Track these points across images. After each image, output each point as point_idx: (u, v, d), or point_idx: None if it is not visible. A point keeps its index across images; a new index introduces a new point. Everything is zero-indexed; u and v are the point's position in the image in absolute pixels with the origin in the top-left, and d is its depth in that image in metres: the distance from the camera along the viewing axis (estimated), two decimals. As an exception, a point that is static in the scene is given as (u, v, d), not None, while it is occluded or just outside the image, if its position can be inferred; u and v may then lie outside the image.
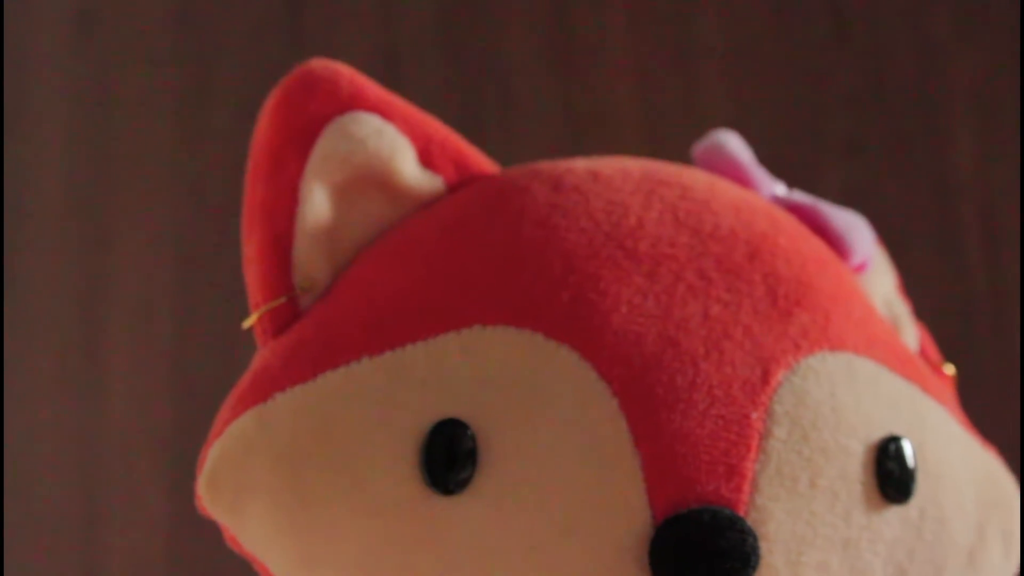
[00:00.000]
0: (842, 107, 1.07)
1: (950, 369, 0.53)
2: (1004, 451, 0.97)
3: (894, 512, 0.46)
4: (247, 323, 0.49)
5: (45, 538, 1.05)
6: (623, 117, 1.08)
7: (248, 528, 0.47)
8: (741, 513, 0.43)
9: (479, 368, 0.45)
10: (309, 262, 0.49)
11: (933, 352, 0.54)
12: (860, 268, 0.52)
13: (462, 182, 0.51)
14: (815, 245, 0.50)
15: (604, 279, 0.46)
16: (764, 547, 0.43)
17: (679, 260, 0.47)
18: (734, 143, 0.54)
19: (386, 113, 0.50)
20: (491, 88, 1.09)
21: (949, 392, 0.52)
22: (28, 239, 1.08)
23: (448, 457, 0.44)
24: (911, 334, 0.54)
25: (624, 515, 0.43)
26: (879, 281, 0.54)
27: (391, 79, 1.19)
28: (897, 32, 1.08)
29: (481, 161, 0.51)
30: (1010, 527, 0.50)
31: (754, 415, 0.44)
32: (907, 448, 0.46)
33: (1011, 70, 1.06)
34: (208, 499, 0.47)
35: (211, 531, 0.50)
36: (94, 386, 1.06)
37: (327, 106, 0.49)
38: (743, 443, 0.44)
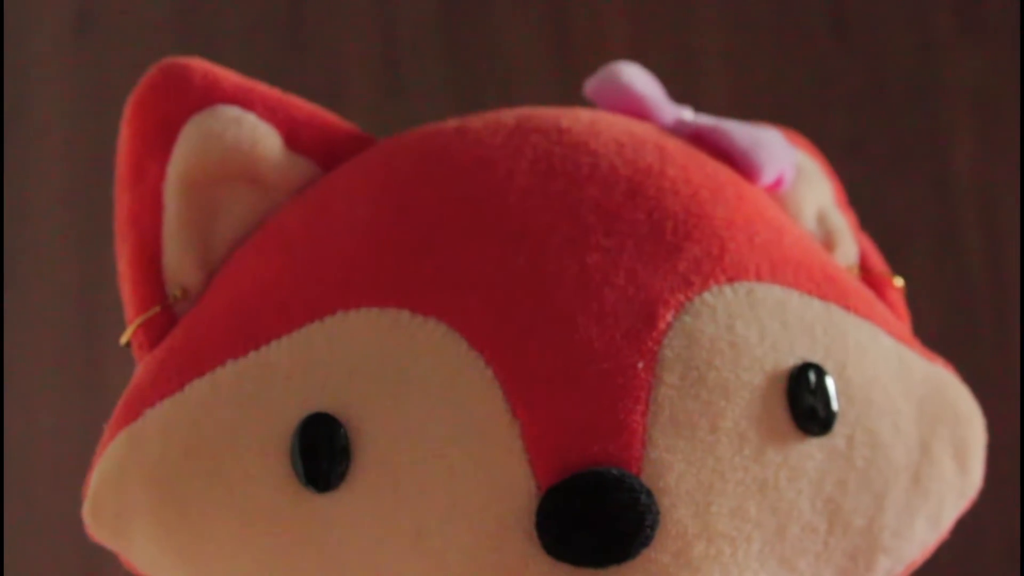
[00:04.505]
0: (842, 107, 1.07)
1: (899, 281, 0.51)
2: (1004, 451, 0.98)
3: (815, 444, 0.43)
4: (123, 339, 0.48)
5: (45, 538, 1.04)
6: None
7: (136, 551, 0.46)
8: (634, 471, 0.41)
9: (344, 356, 0.43)
10: (179, 269, 0.47)
11: (878, 264, 0.52)
12: (775, 185, 0.50)
13: (335, 161, 0.48)
14: (711, 171, 0.47)
15: (469, 242, 0.44)
16: (666, 502, 0.41)
17: (552, 210, 0.44)
18: (630, 73, 0.51)
19: (245, 102, 0.48)
20: (491, 88, 1.09)
21: (892, 306, 0.50)
22: (28, 239, 1.08)
23: (319, 453, 0.42)
24: (849, 247, 0.51)
25: (507, 489, 0.41)
26: (808, 193, 0.51)
27: (391, 79, 1.19)
28: (897, 32, 1.08)
29: (355, 135, 0.49)
30: (962, 439, 0.48)
31: (640, 364, 0.42)
32: (823, 375, 0.44)
33: (1011, 70, 1.06)
34: (93, 526, 0.46)
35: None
36: (94, 386, 1.06)
37: (181, 105, 0.48)
38: (630, 396, 0.41)
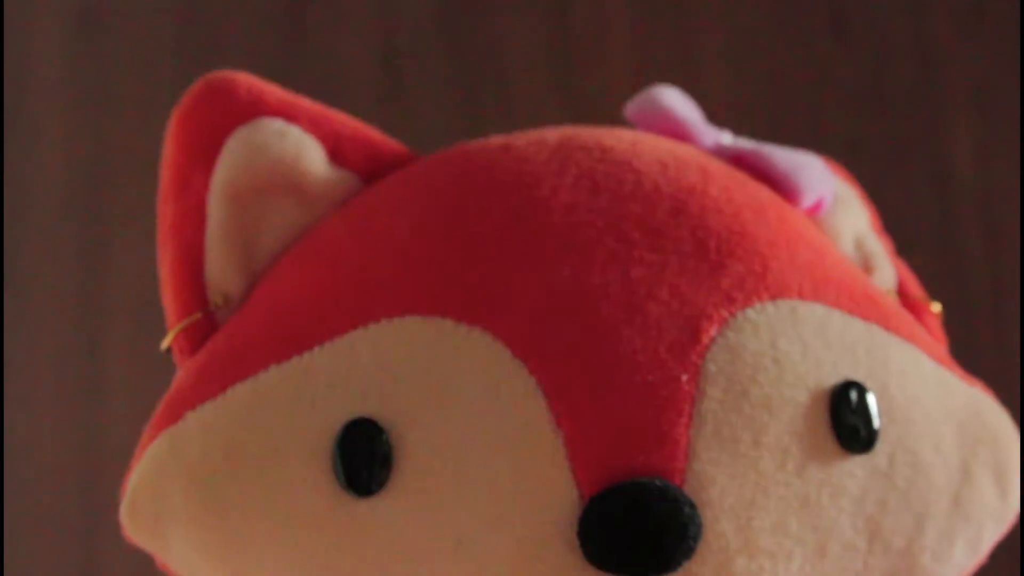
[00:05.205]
0: (842, 107, 1.07)
1: (936, 307, 0.51)
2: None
3: (857, 463, 0.43)
4: (164, 344, 0.48)
5: (45, 538, 1.04)
6: (623, 116, 1.08)
7: (173, 553, 0.46)
8: (677, 482, 0.41)
9: (387, 363, 0.43)
10: (222, 277, 0.48)
11: (915, 289, 0.52)
12: (815, 209, 0.50)
13: (377, 176, 0.49)
14: (753, 192, 0.48)
15: (514, 254, 0.44)
16: (708, 515, 0.41)
17: (596, 226, 0.44)
18: (670, 96, 0.52)
19: (289, 115, 0.48)
20: (491, 88, 1.09)
21: (930, 330, 0.50)
22: (28, 239, 1.08)
23: (361, 459, 0.42)
24: (887, 272, 0.51)
25: (550, 498, 0.41)
26: (845, 219, 0.51)
27: (391, 79, 1.19)
28: (897, 32, 1.08)
29: (398, 152, 0.50)
30: (1002, 462, 0.47)
31: (684, 377, 0.42)
32: (864, 393, 0.44)
33: (1011, 70, 1.06)
34: (130, 527, 0.46)
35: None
36: (94, 386, 1.06)
37: (227, 117, 0.48)
38: (673, 408, 0.41)
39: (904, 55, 1.08)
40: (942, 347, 0.50)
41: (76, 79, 1.11)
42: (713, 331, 0.43)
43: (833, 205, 0.51)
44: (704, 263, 0.44)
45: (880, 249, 0.52)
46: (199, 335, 0.47)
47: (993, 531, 0.48)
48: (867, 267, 0.51)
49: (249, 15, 1.11)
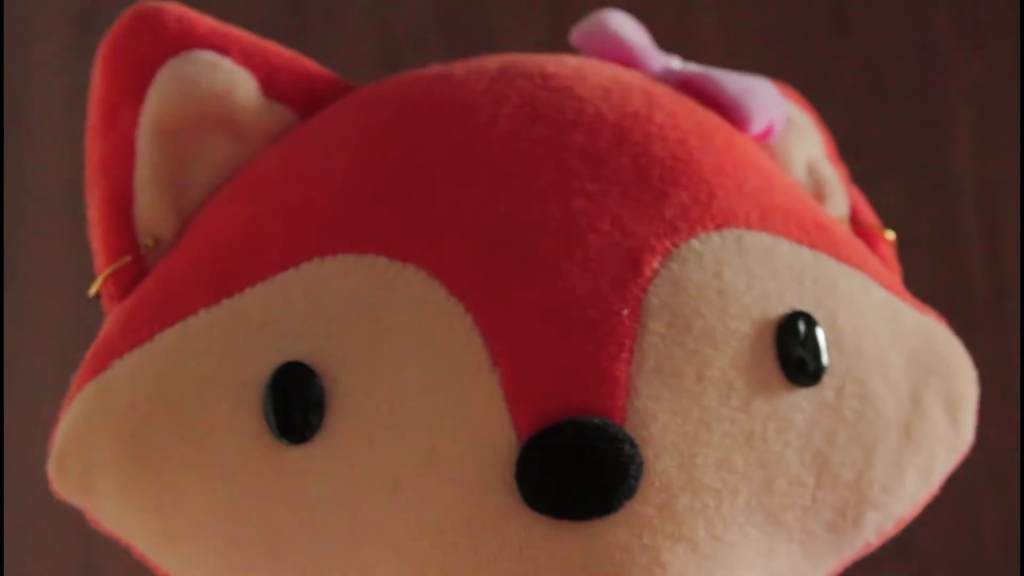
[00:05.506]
0: (842, 107, 1.07)
1: (890, 235, 0.50)
2: (1004, 450, 0.98)
3: (804, 396, 0.42)
4: (92, 289, 0.47)
5: (45, 538, 1.04)
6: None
7: (103, 507, 0.44)
8: (617, 420, 0.40)
9: (319, 304, 0.41)
10: (152, 218, 0.46)
11: (869, 217, 0.51)
12: (765, 134, 0.48)
13: (314, 109, 0.47)
14: (700, 117, 0.46)
15: (449, 188, 0.42)
16: (650, 453, 0.40)
17: (536, 156, 0.43)
18: (617, 20, 0.50)
19: (221, 47, 0.47)
20: (491, 88, 1.09)
21: (884, 259, 0.49)
22: (28, 239, 1.08)
23: (292, 404, 0.40)
24: (840, 200, 0.50)
25: (487, 439, 0.40)
26: (798, 145, 0.50)
27: (391, 79, 1.18)
28: (897, 32, 1.08)
29: (335, 83, 0.48)
30: (954, 392, 0.46)
31: (625, 311, 0.41)
32: (812, 324, 0.43)
33: (1011, 70, 1.06)
34: (58, 482, 0.45)
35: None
36: (94, 386, 1.06)
37: (155, 49, 0.46)
38: (614, 343, 0.40)
39: (904, 55, 1.08)
40: (895, 276, 0.49)
41: (76, 79, 1.11)
42: (656, 263, 0.42)
43: (785, 130, 0.50)
44: (647, 192, 0.43)
45: (833, 176, 0.51)
46: (129, 280, 0.46)
47: (945, 461, 0.47)
48: (819, 194, 0.49)
49: (249, 15, 1.11)
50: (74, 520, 1.13)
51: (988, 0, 1.08)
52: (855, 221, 0.50)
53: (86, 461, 0.44)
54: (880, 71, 1.08)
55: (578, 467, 0.39)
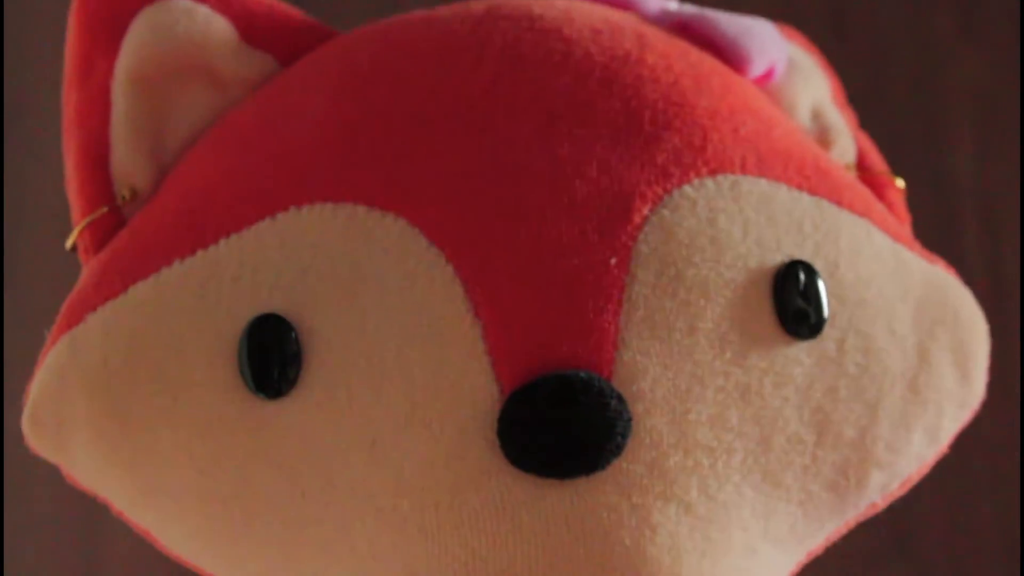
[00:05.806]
0: (842, 107, 1.07)
1: (900, 182, 0.48)
2: (1004, 451, 0.97)
3: (803, 349, 0.40)
4: (69, 242, 0.46)
5: (45, 538, 1.04)
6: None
7: (78, 464, 0.44)
8: (604, 374, 0.38)
9: (295, 254, 0.40)
10: (128, 169, 0.45)
11: (878, 163, 0.49)
12: (766, 77, 0.47)
13: (295, 57, 0.46)
14: (695, 59, 0.44)
15: (430, 135, 0.41)
16: (639, 409, 0.38)
17: (521, 100, 0.41)
18: None
19: None
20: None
21: (892, 207, 0.47)
22: (28, 239, 1.08)
23: (269, 358, 0.39)
24: (847, 145, 0.48)
25: (468, 394, 0.38)
26: (802, 89, 0.48)
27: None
28: (897, 32, 1.08)
29: (317, 30, 0.47)
30: (963, 345, 0.44)
31: (613, 260, 0.39)
32: (812, 273, 0.41)
33: (1011, 70, 1.06)
34: (32, 438, 0.45)
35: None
36: (94, 386, 1.06)
37: None
38: (601, 294, 0.38)
39: (904, 55, 1.08)
40: (903, 225, 0.47)
41: (76, 79, 1.11)
42: (646, 210, 0.40)
43: (788, 73, 0.48)
44: (637, 137, 0.41)
45: (840, 121, 0.49)
46: (105, 232, 0.45)
47: (954, 418, 0.45)
48: (825, 140, 0.47)
49: None
50: (74, 520, 1.13)
51: (989, 1, 1.08)
52: (863, 168, 0.48)
53: (59, 417, 0.43)
54: (880, 71, 1.08)
55: (562, 424, 0.37)
